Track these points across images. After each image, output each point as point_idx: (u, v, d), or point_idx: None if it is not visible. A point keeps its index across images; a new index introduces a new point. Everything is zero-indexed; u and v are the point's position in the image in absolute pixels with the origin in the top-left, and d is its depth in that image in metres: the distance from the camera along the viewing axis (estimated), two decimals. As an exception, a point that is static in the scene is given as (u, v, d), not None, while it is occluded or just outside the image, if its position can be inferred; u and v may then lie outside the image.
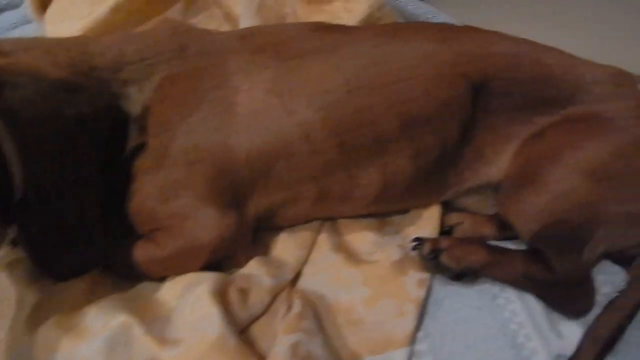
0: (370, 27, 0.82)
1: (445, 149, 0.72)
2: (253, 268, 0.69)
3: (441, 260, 0.71)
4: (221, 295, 0.61)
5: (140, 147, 0.64)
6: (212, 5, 1.01)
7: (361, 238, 0.80)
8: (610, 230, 0.69)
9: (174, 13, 1.00)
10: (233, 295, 0.63)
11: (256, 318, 0.64)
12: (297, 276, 0.74)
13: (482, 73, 0.70)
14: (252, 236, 0.73)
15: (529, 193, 0.69)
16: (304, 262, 0.76)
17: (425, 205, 0.80)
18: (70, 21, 0.92)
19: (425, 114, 0.68)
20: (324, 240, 0.79)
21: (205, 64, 0.67)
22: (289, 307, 0.65)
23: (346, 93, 0.67)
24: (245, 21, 0.93)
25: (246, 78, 0.66)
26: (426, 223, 0.80)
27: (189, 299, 0.60)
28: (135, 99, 0.65)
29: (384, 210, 0.79)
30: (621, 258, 0.75)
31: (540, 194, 0.68)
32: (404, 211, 0.82)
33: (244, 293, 0.66)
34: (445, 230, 0.81)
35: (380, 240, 0.79)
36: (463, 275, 0.72)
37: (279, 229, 0.78)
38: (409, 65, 0.69)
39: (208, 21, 1.03)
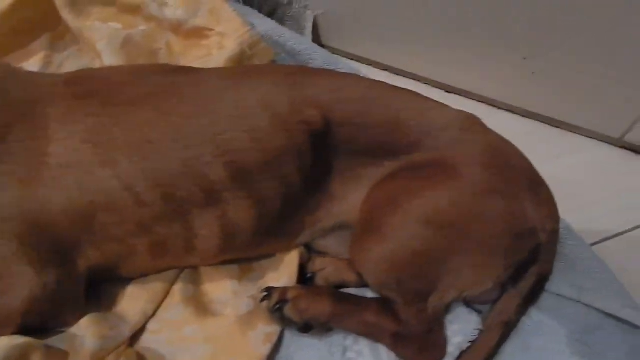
0: (217, 70, 0.78)
1: (289, 194, 0.69)
2: (80, 328, 0.64)
3: (284, 313, 0.68)
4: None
5: None
6: (81, 39, 0.96)
7: (220, 287, 0.76)
8: (457, 278, 0.66)
9: (38, 47, 0.95)
10: (34, 366, 0.57)
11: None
12: (141, 333, 0.70)
13: (328, 119, 0.68)
14: (90, 290, 0.68)
15: (372, 240, 0.66)
16: (151, 316, 0.72)
17: (283, 249, 0.77)
18: None
19: (258, 164, 0.65)
20: (177, 291, 0.74)
21: (22, 111, 0.62)
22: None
23: (172, 142, 0.63)
24: (108, 58, 0.88)
25: (63, 127, 0.62)
26: (286, 269, 0.77)
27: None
28: None
29: (238, 258, 0.75)
30: (479, 304, 0.73)
31: (382, 242, 0.65)
32: (268, 256, 0.79)
33: (61, 358, 0.60)
34: (309, 277, 0.78)
35: (239, 289, 0.75)
36: (311, 328, 0.69)
37: (129, 279, 0.73)
38: (244, 113, 0.66)
39: (79, 55, 0.98)
